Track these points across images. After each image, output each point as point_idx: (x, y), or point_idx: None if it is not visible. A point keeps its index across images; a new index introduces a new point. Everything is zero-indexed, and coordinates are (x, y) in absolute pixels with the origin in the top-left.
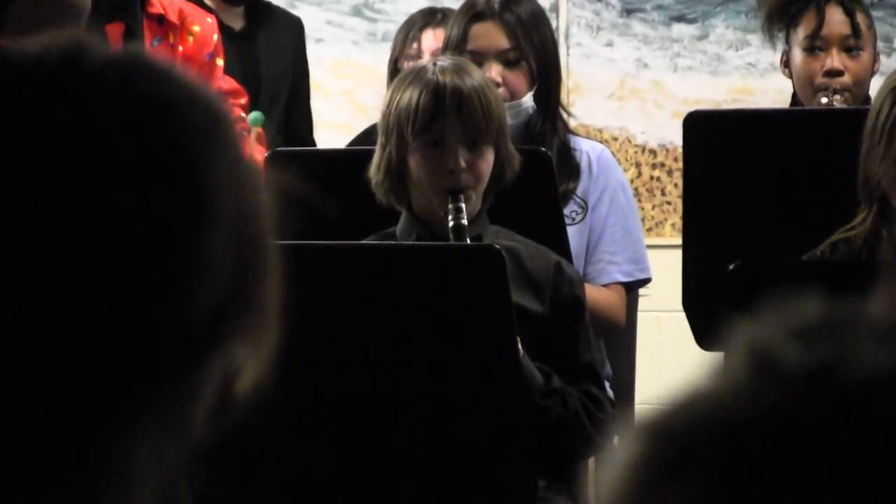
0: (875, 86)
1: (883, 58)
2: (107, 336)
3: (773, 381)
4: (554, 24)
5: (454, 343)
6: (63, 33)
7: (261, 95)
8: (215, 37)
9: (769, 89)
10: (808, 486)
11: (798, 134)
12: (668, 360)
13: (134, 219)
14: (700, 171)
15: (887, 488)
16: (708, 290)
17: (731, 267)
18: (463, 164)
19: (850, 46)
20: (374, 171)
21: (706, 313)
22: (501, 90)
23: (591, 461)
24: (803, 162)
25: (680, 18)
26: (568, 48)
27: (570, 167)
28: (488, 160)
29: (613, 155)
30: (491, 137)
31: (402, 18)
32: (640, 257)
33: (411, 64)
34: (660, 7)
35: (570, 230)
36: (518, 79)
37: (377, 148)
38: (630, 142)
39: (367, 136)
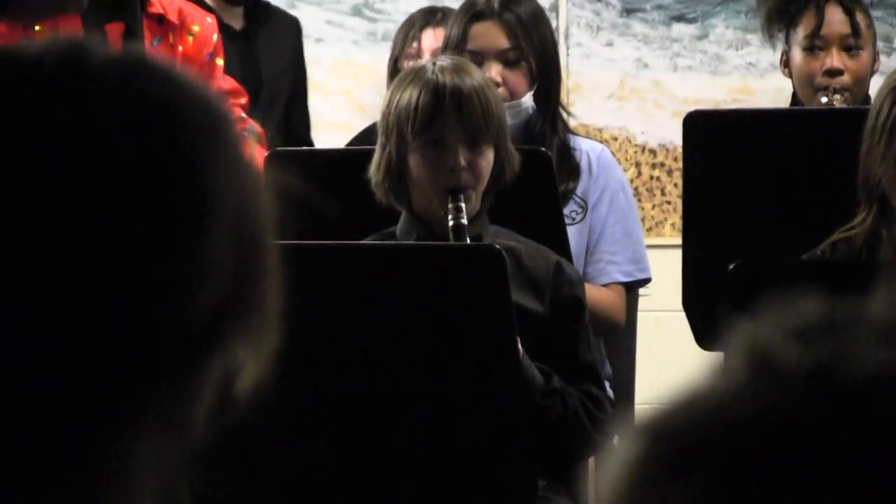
0: (875, 85)
1: (883, 58)
2: (107, 336)
3: (773, 381)
4: (554, 24)
5: (454, 343)
6: (63, 34)
7: (261, 95)
8: (215, 36)
9: (769, 89)
10: (808, 486)
11: (798, 134)
12: (668, 360)
13: (134, 219)
14: (700, 170)
15: (887, 488)
16: (708, 289)
17: (731, 267)
18: (463, 162)
19: (849, 46)
20: (374, 170)
21: (706, 313)
22: (501, 90)
23: (591, 461)
24: (803, 162)
25: (680, 18)
26: (568, 48)
27: (569, 167)
28: (488, 159)
29: (613, 155)
30: (491, 136)
31: (402, 18)
32: (639, 257)
33: (411, 63)
34: (660, 7)
35: (570, 230)
36: (518, 79)
37: (377, 148)
38: (630, 141)
39: (367, 135)
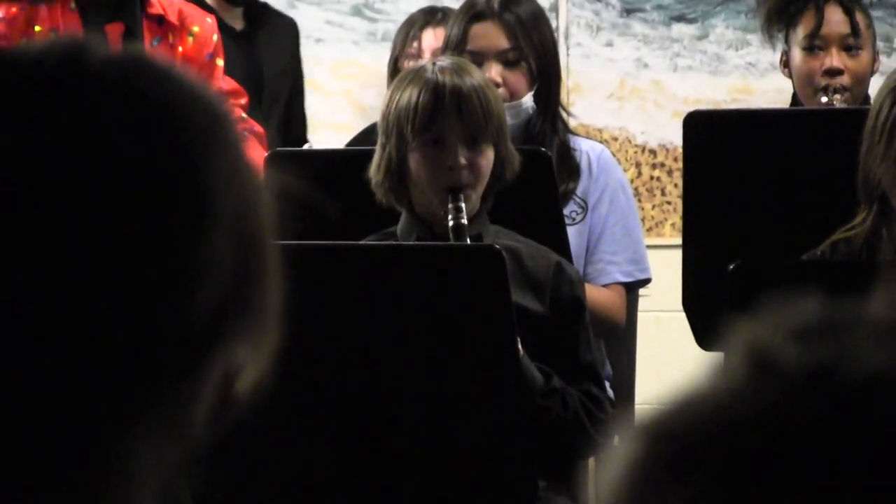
0: (875, 86)
1: (883, 58)
2: (107, 336)
3: (773, 382)
4: (554, 24)
5: (454, 343)
6: (63, 35)
7: (263, 96)
8: (215, 37)
9: (769, 89)
10: (808, 486)
11: (798, 134)
12: (668, 361)
13: (134, 219)
14: (700, 171)
15: (887, 488)
16: (708, 290)
17: (731, 267)
18: (463, 161)
19: (849, 45)
20: (375, 171)
21: (706, 313)
22: (501, 90)
23: (592, 461)
24: (803, 162)
25: (680, 18)
26: (568, 48)
27: (569, 167)
28: (488, 158)
29: (613, 155)
30: (491, 135)
31: (402, 18)
32: (640, 257)
33: (412, 63)
34: (660, 7)
35: (570, 230)
36: (518, 79)
37: (377, 148)
38: (630, 142)
39: (367, 135)
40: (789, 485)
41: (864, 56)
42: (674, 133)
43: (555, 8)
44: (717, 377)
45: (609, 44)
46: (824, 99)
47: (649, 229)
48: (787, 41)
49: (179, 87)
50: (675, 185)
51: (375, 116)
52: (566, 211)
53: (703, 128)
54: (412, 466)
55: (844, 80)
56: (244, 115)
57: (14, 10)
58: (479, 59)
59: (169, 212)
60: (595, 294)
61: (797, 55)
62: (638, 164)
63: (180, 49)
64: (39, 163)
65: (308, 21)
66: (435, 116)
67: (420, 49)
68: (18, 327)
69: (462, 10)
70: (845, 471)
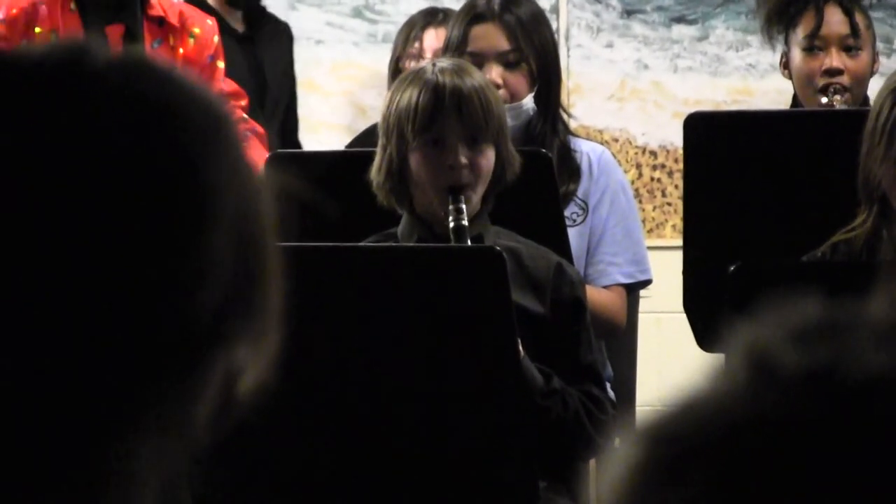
0: (875, 87)
1: (883, 58)
2: (107, 336)
3: (773, 383)
4: (554, 26)
5: (455, 344)
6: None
7: (267, 98)
8: (216, 39)
9: (769, 90)
10: (808, 488)
11: (798, 135)
12: (669, 362)
13: (134, 219)
14: (700, 172)
15: (887, 489)
16: (708, 291)
17: (732, 268)
18: (463, 160)
19: (849, 46)
20: (376, 172)
21: (707, 314)
22: (502, 92)
23: (592, 462)
24: (803, 163)
25: (680, 19)
26: (568, 49)
27: (570, 168)
28: (489, 158)
29: (614, 156)
30: (491, 136)
31: (402, 20)
32: (640, 258)
33: (414, 64)
34: (660, 8)
35: (571, 232)
36: (518, 80)
37: (378, 150)
38: (630, 143)
39: (368, 136)
40: (790, 486)
41: (864, 57)
42: (674, 134)
43: (555, 9)
44: (717, 379)
45: (609, 45)
46: (824, 100)
47: (650, 230)
48: (786, 42)
49: (180, 89)
50: (676, 187)
51: (375, 117)
52: (567, 212)
53: (703, 129)
54: (413, 467)
55: (844, 80)
56: (245, 116)
57: (15, 11)
58: (480, 60)
59: (169, 212)
60: (596, 295)
61: (797, 56)
62: (638, 166)
63: (181, 51)
64: (40, 164)
65: (308, 22)
66: (435, 117)
67: (422, 49)
68: (19, 327)
69: (462, 12)
70: (846, 472)
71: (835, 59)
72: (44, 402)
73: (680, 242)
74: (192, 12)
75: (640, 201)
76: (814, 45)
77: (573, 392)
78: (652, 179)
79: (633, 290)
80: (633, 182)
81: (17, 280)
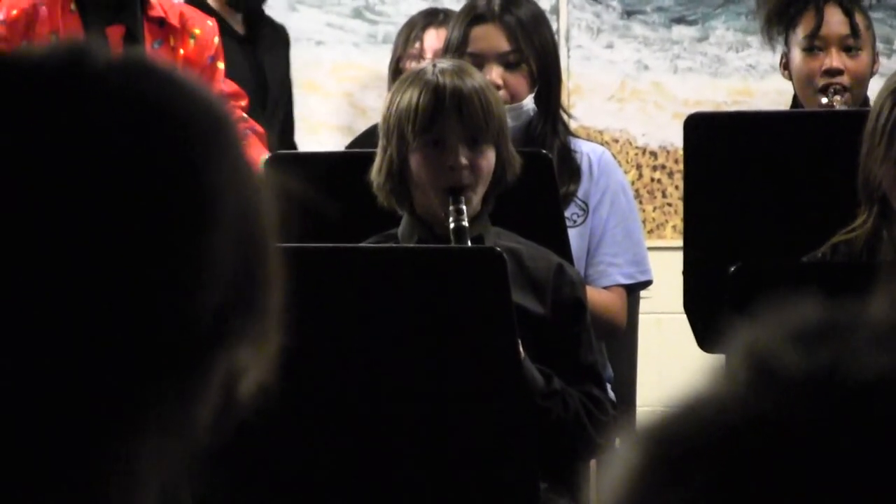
0: (875, 87)
1: (883, 59)
2: (107, 336)
3: (773, 384)
4: (554, 27)
5: (455, 345)
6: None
7: (269, 99)
8: (216, 40)
9: (769, 91)
10: (808, 489)
11: (798, 135)
12: (669, 362)
13: (135, 219)
14: (701, 172)
15: (887, 491)
16: (709, 291)
17: (732, 269)
18: (464, 161)
19: (848, 46)
20: (376, 173)
21: (707, 315)
22: (502, 92)
23: (593, 463)
24: (804, 163)
25: (680, 20)
26: (568, 50)
27: (570, 169)
28: (489, 159)
29: (614, 157)
30: (491, 136)
31: (402, 20)
32: (640, 259)
33: (414, 64)
34: (660, 9)
35: (571, 232)
36: (518, 81)
37: (378, 151)
38: (631, 144)
39: (368, 137)
40: (790, 488)
41: (864, 57)
42: (674, 135)
43: (555, 10)
44: (717, 380)
45: (609, 46)
46: (824, 100)
47: (650, 231)
48: (786, 43)
49: (180, 90)
50: (676, 187)
51: (376, 118)
52: (567, 213)
53: (703, 129)
54: (413, 468)
55: (844, 80)
56: (245, 116)
57: (15, 12)
58: (480, 61)
59: (169, 212)
60: (596, 296)
61: (797, 56)
62: (639, 166)
63: (181, 52)
64: (41, 164)
65: (309, 23)
66: (435, 117)
67: (422, 49)
68: (19, 327)
69: (462, 13)
70: (846, 473)
71: (835, 59)
72: (44, 402)
73: (680, 243)
74: (193, 13)
75: (641, 202)
76: (814, 46)
77: (574, 393)
78: (652, 180)
79: (633, 291)
80: (633, 183)
81: (17, 280)
